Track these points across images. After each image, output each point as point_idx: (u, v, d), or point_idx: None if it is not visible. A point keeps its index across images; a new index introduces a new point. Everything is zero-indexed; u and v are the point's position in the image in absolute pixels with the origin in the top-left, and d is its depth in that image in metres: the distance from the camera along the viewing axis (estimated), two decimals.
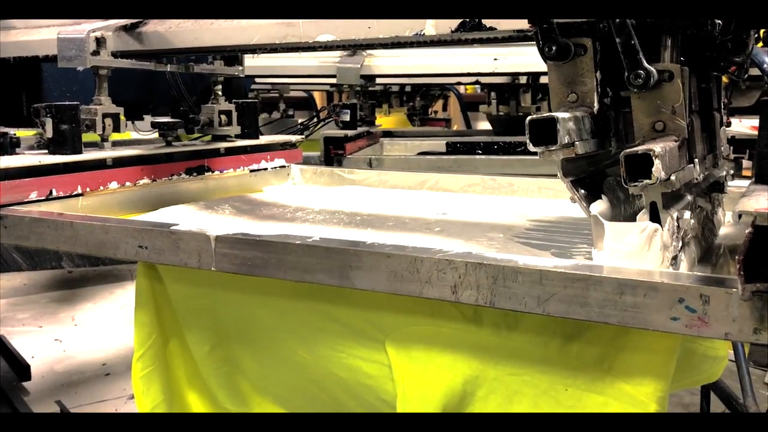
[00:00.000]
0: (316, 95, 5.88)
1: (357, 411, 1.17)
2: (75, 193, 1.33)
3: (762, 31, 2.25)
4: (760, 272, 0.67)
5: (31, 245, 1.17)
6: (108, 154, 1.45)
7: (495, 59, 2.78)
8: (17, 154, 1.71)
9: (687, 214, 0.89)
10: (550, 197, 1.62)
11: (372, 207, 1.54)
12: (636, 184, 0.79)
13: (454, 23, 1.18)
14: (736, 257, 0.67)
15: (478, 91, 7.42)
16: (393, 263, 0.88)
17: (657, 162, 0.78)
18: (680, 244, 0.87)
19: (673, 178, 0.80)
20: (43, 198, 1.31)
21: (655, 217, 0.83)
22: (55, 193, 1.31)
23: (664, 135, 0.87)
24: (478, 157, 2.74)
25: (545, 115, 0.82)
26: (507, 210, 1.51)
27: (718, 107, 1.12)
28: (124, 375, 1.44)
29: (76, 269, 6.82)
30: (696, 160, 0.92)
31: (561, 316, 0.80)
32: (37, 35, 1.67)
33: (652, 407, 0.87)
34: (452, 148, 3.22)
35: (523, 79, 3.64)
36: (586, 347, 0.92)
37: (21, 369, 3.91)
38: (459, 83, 4.49)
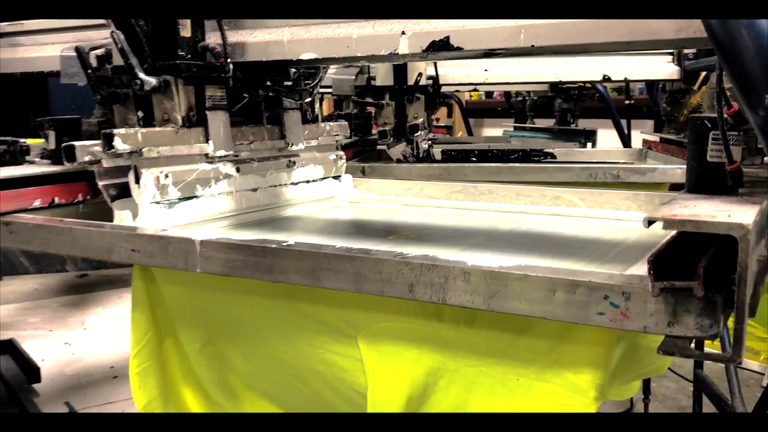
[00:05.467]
0: (324, 104, 5.97)
1: (335, 402, 1.26)
2: (76, 200, 1.42)
3: None
4: (669, 271, 0.76)
5: (34, 249, 1.27)
6: None
7: (485, 70, 2.87)
8: (27, 161, 1.82)
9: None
10: (527, 203, 1.71)
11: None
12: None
13: (426, 42, 1.27)
14: (647, 258, 0.76)
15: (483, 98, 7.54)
16: (357, 265, 0.97)
17: (117, 139, 1.28)
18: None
19: (146, 150, 1.31)
20: (46, 206, 1.40)
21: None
22: (57, 201, 1.41)
23: (168, 123, 1.40)
24: (467, 164, 2.83)
25: None
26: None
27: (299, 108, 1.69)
28: None
29: (84, 276, 6.95)
30: (211, 140, 1.43)
31: (504, 312, 0.88)
32: (42, 52, 1.78)
33: (592, 393, 0.96)
34: (447, 156, 3.30)
35: None
36: (534, 340, 1.01)
37: (31, 371, 4.02)
38: (457, 91, 4.60)
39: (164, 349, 1.43)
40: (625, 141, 3.90)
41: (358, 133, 2.91)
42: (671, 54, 2.72)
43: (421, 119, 2.92)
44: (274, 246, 1.04)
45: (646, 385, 3.30)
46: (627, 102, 4.02)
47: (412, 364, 1.10)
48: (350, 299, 1.15)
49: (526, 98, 4.98)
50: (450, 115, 7.68)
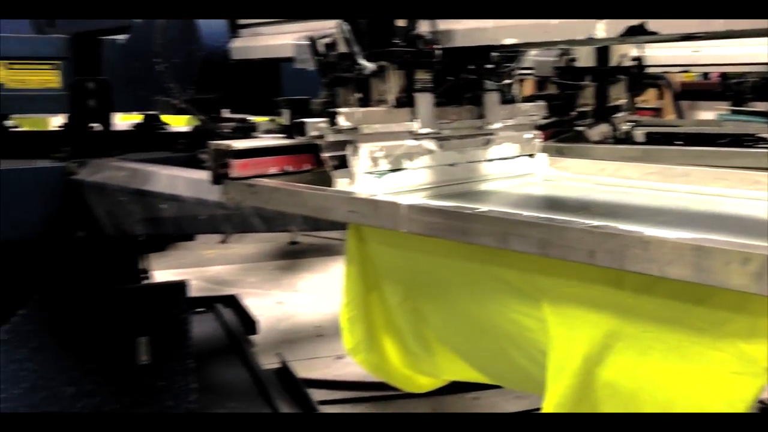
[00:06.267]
0: (527, 85, 6.00)
1: (518, 359, 1.39)
2: (302, 169, 1.66)
3: None
4: None
5: (271, 207, 1.52)
6: None
7: (695, 51, 2.79)
8: (252, 136, 2.12)
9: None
10: (724, 187, 1.70)
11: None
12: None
13: (622, 27, 1.33)
14: None
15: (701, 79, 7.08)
16: (543, 231, 1.09)
17: (341, 117, 1.49)
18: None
19: (363, 127, 1.51)
20: (278, 173, 1.64)
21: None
22: (287, 169, 1.64)
23: (382, 103, 1.57)
24: (669, 147, 2.76)
25: None
26: None
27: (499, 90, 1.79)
28: (335, 337, 1.77)
29: (295, 244, 7.58)
30: (417, 119, 1.59)
31: (678, 280, 0.96)
32: (278, 41, 2.05)
33: (765, 364, 1.00)
34: (650, 138, 3.23)
35: None
36: (710, 311, 1.06)
37: (249, 324, 4.48)
38: (666, 72, 4.43)
39: (370, 300, 1.64)
40: None
41: (557, 114, 2.95)
42: None
43: (623, 101, 2.90)
44: (468, 211, 1.18)
45: None
46: None
47: (591, 326, 1.20)
48: (536, 264, 1.26)
49: (745, 80, 4.67)
50: (661, 96, 7.32)
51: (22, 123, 3.92)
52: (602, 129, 2.89)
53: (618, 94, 2.90)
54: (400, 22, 1.54)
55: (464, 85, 1.75)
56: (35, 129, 4.25)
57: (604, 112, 2.85)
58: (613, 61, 2.84)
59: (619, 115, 2.90)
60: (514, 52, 1.78)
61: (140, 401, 2.87)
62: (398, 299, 1.60)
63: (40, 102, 2.73)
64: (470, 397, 4.32)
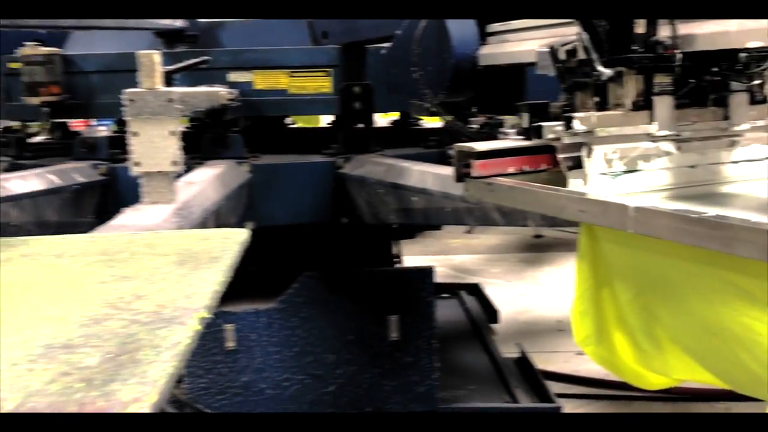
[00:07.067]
0: None
1: (748, 362, 1.39)
2: (539, 169, 1.77)
3: None
4: None
5: (507, 204, 1.66)
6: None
7: None
8: (500, 132, 2.27)
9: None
10: None
11: None
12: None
13: None
14: None
15: None
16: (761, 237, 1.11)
17: (576, 122, 1.60)
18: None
19: (598, 130, 1.60)
20: (516, 172, 1.77)
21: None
22: (524, 169, 1.77)
23: (619, 107, 1.64)
24: None
25: None
26: None
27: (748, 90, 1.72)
28: None
29: (539, 237, 7.62)
30: (655, 121, 1.63)
31: None
32: (523, 47, 2.18)
33: None
34: None
35: None
36: None
37: (491, 313, 4.65)
38: None
39: (601, 295, 1.72)
40: None
41: None
42: None
43: None
44: (694, 215, 1.23)
45: None
46: None
47: None
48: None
49: None
50: None
51: (296, 120, 4.49)
52: None
53: None
54: (639, 30, 1.59)
55: (707, 86, 1.74)
56: (308, 126, 4.82)
57: None
58: None
59: None
60: (765, 52, 1.73)
61: (389, 373, 3.19)
62: (629, 297, 1.65)
63: (315, 105, 3.15)
64: (720, 406, 4.11)
